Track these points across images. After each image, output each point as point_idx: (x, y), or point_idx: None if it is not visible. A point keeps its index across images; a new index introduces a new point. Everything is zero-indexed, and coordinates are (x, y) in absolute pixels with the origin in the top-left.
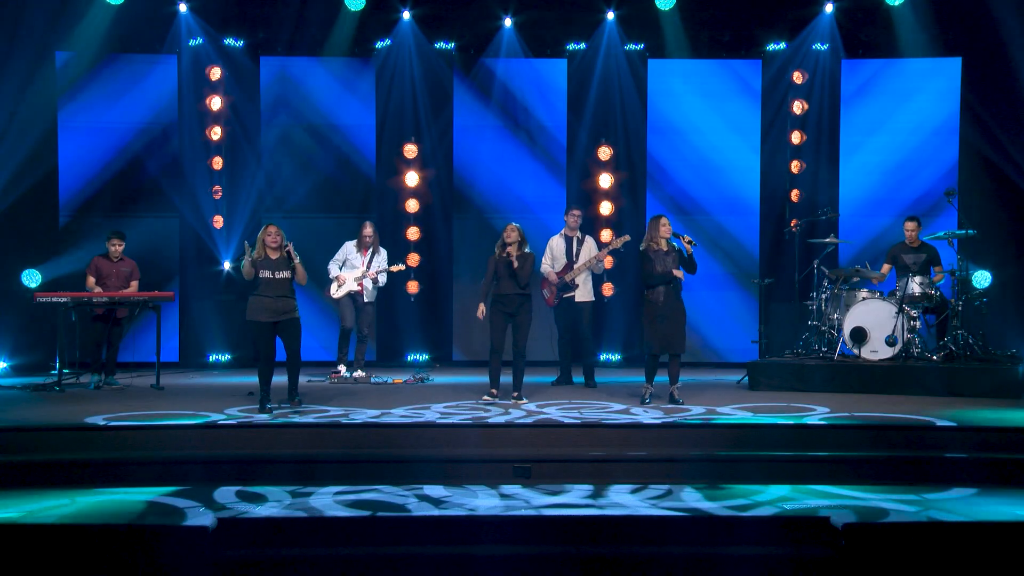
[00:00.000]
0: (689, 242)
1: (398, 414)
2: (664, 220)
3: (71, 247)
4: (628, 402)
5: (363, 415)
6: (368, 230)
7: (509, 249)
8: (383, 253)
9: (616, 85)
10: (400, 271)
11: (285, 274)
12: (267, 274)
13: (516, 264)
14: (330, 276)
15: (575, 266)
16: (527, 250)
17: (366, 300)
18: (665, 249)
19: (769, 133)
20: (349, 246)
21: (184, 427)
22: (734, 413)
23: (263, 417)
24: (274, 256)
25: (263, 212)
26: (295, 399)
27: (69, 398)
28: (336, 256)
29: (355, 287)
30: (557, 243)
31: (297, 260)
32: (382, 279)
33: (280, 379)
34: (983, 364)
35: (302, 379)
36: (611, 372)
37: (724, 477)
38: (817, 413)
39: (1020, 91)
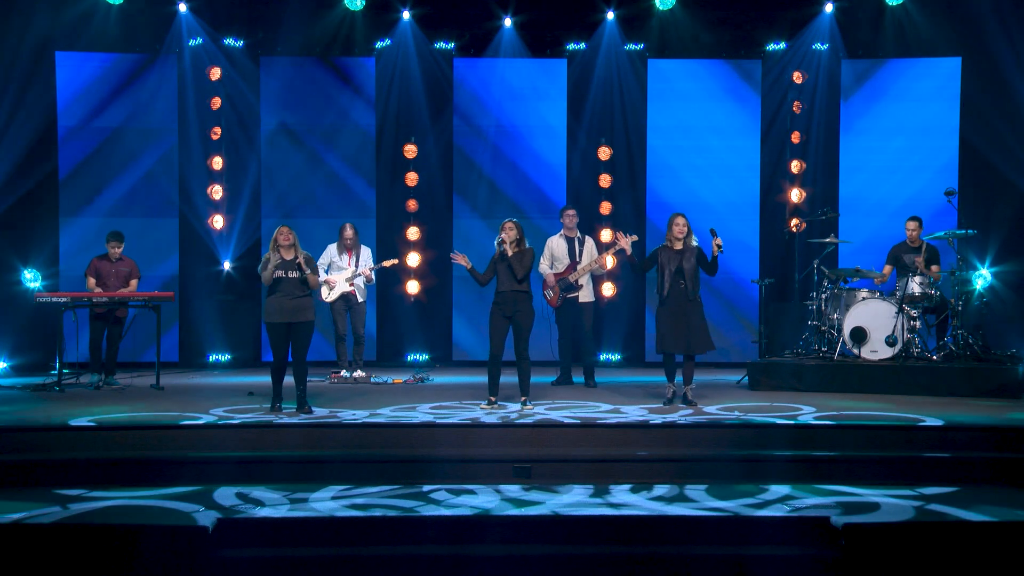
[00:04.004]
0: (718, 246)
1: (387, 413)
2: (678, 220)
3: (71, 247)
4: (628, 402)
5: (352, 415)
6: (349, 231)
7: (504, 242)
8: (366, 251)
9: (616, 85)
10: (395, 267)
11: (298, 273)
12: (280, 273)
13: (511, 253)
14: (319, 280)
15: (579, 267)
16: (526, 246)
17: (359, 300)
18: (678, 248)
19: (769, 133)
20: (332, 249)
21: (184, 427)
22: (721, 413)
23: (266, 417)
24: (288, 256)
25: (262, 212)
26: (305, 407)
27: (69, 398)
28: (320, 260)
29: (347, 288)
30: (558, 244)
31: (309, 271)
32: (373, 277)
33: (288, 380)
34: (983, 364)
35: None
36: (611, 372)
37: (724, 477)
38: (804, 413)
39: (1020, 91)
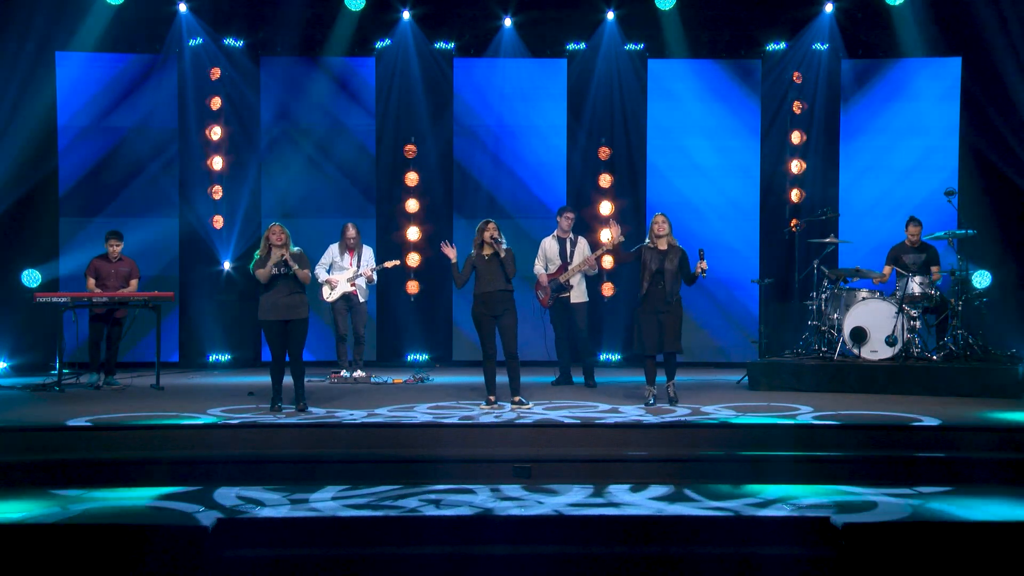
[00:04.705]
0: (703, 270)
1: (387, 413)
2: (658, 218)
3: (71, 247)
4: (628, 402)
5: (352, 415)
6: (351, 231)
7: (494, 242)
8: (368, 251)
9: (616, 85)
10: (396, 267)
11: (290, 271)
12: (275, 271)
13: (504, 255)
14: (319, 280)
15: (570, 267)
16: (505, 246)
17: (361, 300)
18: (662, 248)
19: (769, 133)
20: (334, 248)
21: (184, 427)
22: (721, 412)
23: (266, 417)
24: (280, 254)
25: (262, 212)
26: (300, 403)
27: (69, 398)
28: (322, 260)
29: (349, 288)
30: (550, 245)
31: (296, 267)
32: (375, 277)
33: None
34: (983, 364)
35: None
36: (611, 372)
37: (724, 477)
38: (803, 412)
39: (1020, 91)
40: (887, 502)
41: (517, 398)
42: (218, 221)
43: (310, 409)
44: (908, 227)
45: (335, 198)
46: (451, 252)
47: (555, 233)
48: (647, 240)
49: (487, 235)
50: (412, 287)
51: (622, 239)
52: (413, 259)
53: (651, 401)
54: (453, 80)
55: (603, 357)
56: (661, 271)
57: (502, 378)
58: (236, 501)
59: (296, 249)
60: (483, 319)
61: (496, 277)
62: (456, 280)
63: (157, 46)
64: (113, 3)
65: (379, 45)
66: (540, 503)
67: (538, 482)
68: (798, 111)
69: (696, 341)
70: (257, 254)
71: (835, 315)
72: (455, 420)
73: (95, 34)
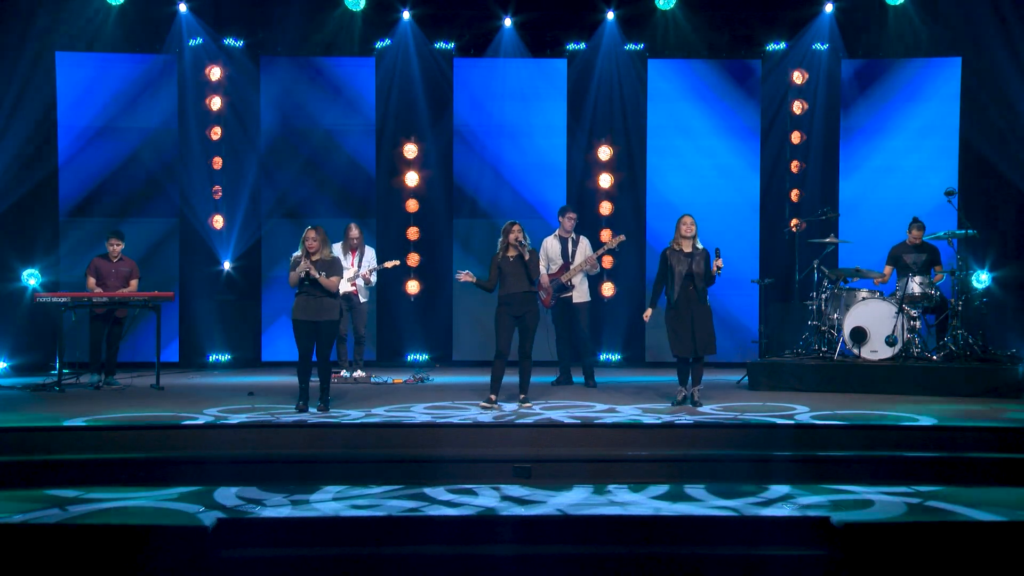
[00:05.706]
0: (718, 267)
1: (387, 414)
2: (686, 219)
3: (71, 247)
4: (628, 402)
5: (352, 415)
6: (355, 231)
7: (518, 244)
8: (370, 252)
9: (616, 85)
10: (396, 267)
11: (321, 275)
12: (302, 275)
13: (528, 257)
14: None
15: (572, 267)
16: (529, 247)
17: (361, 300)
18: (688, 251)
19: (769, 133)
20: (337, 248)
21: (185, 427)
22: (721, 412)
23: (265, 417)
24: (314, 258)
25: (262, 212)
26: (318, 404)
27: (69, 398)
28: None
29: (349, 288)
30: (552, 244)
31: (319, 275)
32: (373, 278)
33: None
34: (983, 364)
35: None
36: (611, 372)
37: (724, 477)
38: (801, 412)
39: (1019, 91)
40: (884, 500)
41: (523, 396)
42: (218, 221)
43: (309, 409)
44: (911, 229)
45: (335, 198)
46: (468, 277)
47: (556, 233)
48: (669, 244)
49: (512, 237)
50: (412, 287)
51: (623, 238)
52: (413, 259)
53: (680, 398)
54: (453, 80)
55: (603, 357)
56: (691, 274)
57: (507, 379)
58: (237, 501)
59: (330, 255)
60: (505, 319)
61: (520, 279)
62: (485, 288)
63: (157, 46)
64: (113, 3)
65: (379, 45)
66: (541, 503)
67: (538, 482)
68: (798, 111)
69: None
70: (292, 258)
71: (835, 315)
72: (455, 420)
73: (95, 34)
